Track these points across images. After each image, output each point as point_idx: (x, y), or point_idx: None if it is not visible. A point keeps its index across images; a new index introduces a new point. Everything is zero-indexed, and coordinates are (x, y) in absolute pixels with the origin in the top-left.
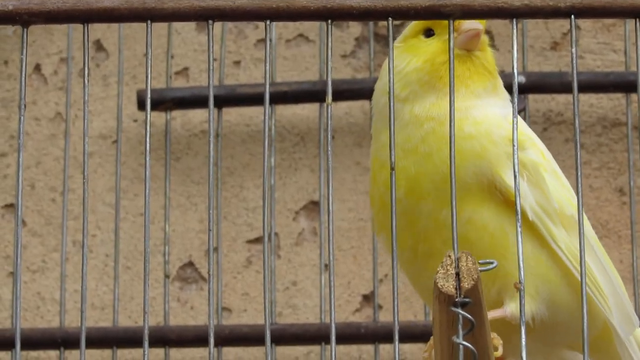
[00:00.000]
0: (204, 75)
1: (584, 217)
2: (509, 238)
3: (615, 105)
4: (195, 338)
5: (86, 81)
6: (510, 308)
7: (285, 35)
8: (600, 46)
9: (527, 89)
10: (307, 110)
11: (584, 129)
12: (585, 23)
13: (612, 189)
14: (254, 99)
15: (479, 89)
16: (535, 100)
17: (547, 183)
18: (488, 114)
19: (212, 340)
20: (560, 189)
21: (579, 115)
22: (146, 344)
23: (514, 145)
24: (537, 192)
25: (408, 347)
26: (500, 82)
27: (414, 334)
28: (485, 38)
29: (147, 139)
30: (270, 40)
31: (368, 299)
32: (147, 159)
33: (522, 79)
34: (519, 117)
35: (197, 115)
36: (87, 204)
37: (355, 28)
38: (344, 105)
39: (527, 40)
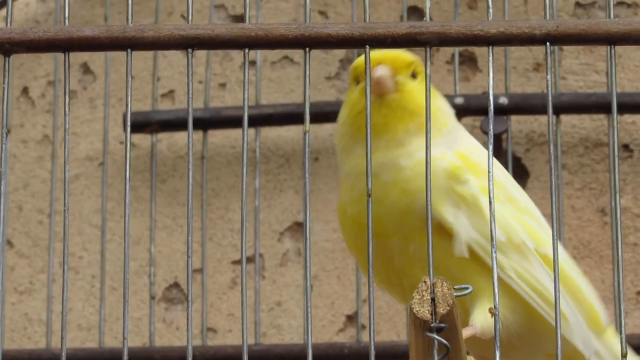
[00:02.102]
0: None
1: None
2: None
3: (598, 126)
4: (180, 358)
5: (67, 109)
6: (480, 324)
7: (270, 58)
8: (583, 67)
9: (509, 110)
10: (292, 132)
11: (566, 149)
12: None
13: (594, 209)
14: (240, 121)
15: (400, 134)
16: (518, 122)
17: (486, 215)
18: (418, 159)
19: None
20: (509, 218)
21: (561, 136)
22: None
23: (489, 172)
24: (478, 224)
25: None
26: (439, 114)
27: (396, 354)
28: (420, 66)
29: (127, 166)
30: (255, 63)
31: (352, 319)
32: (127, 186)
33: (505, 100)
34: (477, 144)
35: (182, 138)
36: (68, 232)
37: (339, 50)
38: (328, 127)
39: (509, 61)
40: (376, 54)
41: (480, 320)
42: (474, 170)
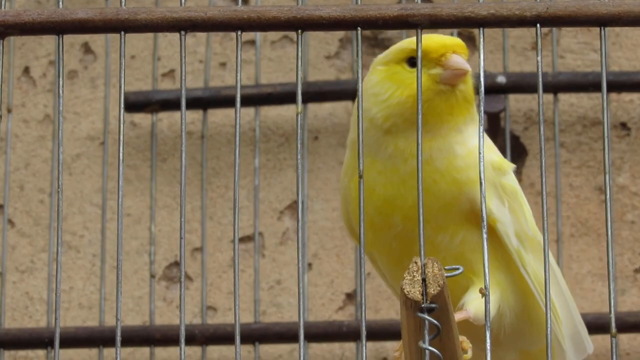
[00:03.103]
0: (190, 77)
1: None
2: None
3: (595, 105)
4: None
5: (60, 91)
6: (473, 308)
7: (270, 37)
8: (581, 46)
9: (507, 89)
10: (291, 112)
11: (564, 128)
12: None
13: (592, 187)
14: (240, 101)
15: (459, 124)
16: (517, 100)
17: (525, 210)
18: (471, 147)
19: (183, 346)
20: (530, 215)
21: (559, 115)
22: (119, 350)
23: (479, 153)
24: (515, 219)
25: (390, 345)
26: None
27: (396, 332)
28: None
29: (121, 147)
30: (255, 43)
31: (351, 297)
32: (120, 167)
33: (503, 79)
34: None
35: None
36: (62, 214)
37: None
38: (328, 106)
39: (507, 40)
40: (443, 39)
41: (475, 305)
42: (508, 165)
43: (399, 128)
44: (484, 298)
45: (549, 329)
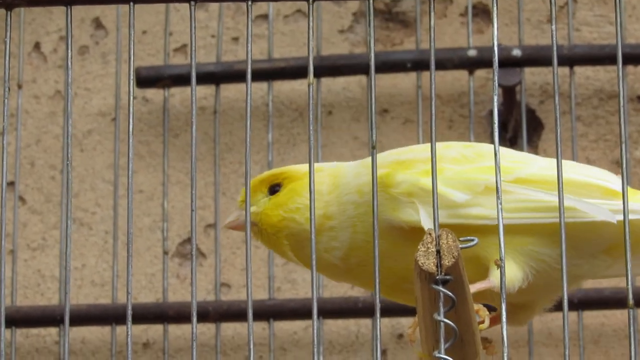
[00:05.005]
0: (202, 52)
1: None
2: None
3: (612, 78)
4: None
5: (69, 63)
6: (496, 278)
7: (283, 11)
8: (597, 18)
9: (523, 62)
10: (304, 86)
11: (580, 101)
12: None
13: (609, 161)
14: (253, 75)
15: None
16: (532, 73)
17: (427, 187)
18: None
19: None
20: (465, 175)
21: (575, 88)
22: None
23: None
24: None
25: (406, 321)
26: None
27: (412, 308)
28: (283, 174)
29: (130, 121)
30: (267, 17)
31: None
32: (131, 141)
33: (518, 52)
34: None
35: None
36: (70, 191)
37: (352, 3)
38: (341, 81)
39: (523, 13)
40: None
41: (497, 275)
42: (401, 167)
43: None
44: (496, 266)
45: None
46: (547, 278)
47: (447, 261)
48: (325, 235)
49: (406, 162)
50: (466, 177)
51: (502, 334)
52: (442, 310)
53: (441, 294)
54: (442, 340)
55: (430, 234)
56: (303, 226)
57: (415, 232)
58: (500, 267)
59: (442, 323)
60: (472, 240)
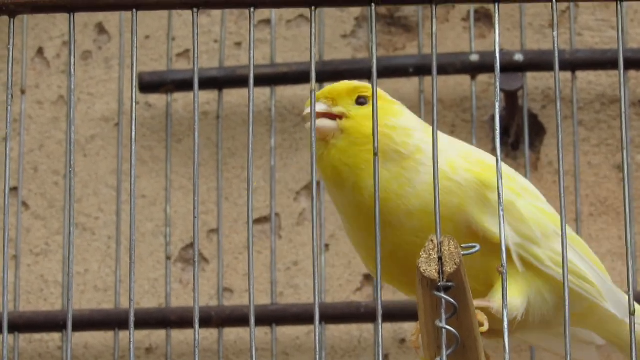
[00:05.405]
0: (205, 57)
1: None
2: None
3: (614, 82)
4: None
5: (72, 70)
6: (497, 302)
7: (286, 17)
8: (599, 23)
9: (525, 66)
10: (307, 91)
11: (583, 105)
12: None
13: (611, 165)
14: (255, 81)
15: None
16: (534, 78)
17: (523, 212)
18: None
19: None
20: (537, 212)
21: (577, 93)
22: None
23: (495, 130)
24: (520, 228)
25: (408, 326)
26: (393, 135)
27: (414, 313)
28: (368, 90)
29: (133, 127)
30: (270, 22)
31: (369, 278)
32: (133, 147)
33: (520, 57)
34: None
35: (199, 97)
36: (73, 196)
37: (355, 8)
38: None
39: (525, 18)
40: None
41: (499, 298)
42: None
43: None
44: (498, 272)
45: (566, 306)
46: (542, 318)
47: (449, 268)
48: (412, 160)
49: (493, 168)
50: (539, 216)
51: (504, 340)
52: (443, 317)
53: (443, 300)
54: (444, 346)
55: (432, 240)
56: (398, 147)
57: (481, 239)
58: (502, 273)
59: (444, 330)
60: (474, 247)
